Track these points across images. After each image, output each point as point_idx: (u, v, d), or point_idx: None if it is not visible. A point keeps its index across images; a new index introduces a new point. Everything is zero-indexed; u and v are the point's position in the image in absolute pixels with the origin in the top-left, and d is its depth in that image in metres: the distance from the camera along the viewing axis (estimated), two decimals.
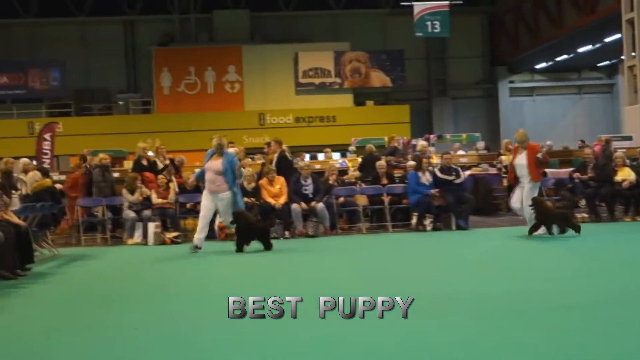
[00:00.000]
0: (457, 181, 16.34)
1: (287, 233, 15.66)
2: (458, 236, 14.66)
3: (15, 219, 11.13)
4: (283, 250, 13.31)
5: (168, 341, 5.77)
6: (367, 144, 21.47)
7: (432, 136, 26.54)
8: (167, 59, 35.40)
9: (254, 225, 12.71)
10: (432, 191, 15.93)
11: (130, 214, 15.86)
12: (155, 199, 16.01)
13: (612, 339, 5.64)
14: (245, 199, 16.16)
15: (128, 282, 10.06)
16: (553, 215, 13.07)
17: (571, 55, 34.20)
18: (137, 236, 15.06)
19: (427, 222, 15.97)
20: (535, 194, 13.49)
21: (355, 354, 5.28)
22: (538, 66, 37.23)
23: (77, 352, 5.78)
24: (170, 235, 15.42)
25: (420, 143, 20.32)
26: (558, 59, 35.21)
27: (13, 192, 13.16)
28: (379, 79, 35.98)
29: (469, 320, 6.45)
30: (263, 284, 9.29)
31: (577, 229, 13.00)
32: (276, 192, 16.03)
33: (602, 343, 5.54)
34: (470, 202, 16.38)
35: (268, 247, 12.68)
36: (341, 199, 16.59)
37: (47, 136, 23.35)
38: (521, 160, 13.56)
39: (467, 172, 19.14)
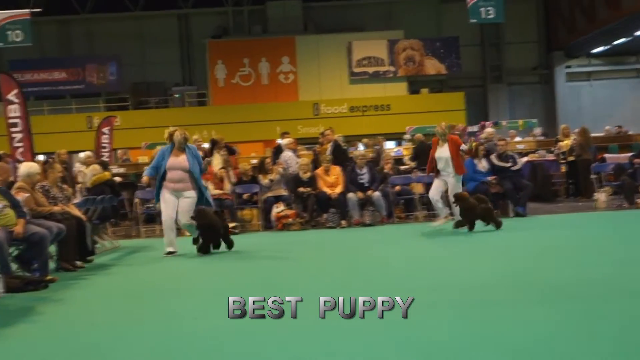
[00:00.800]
0: (514, 168, 16.25)
1: (343, 222, 15.74)
2: (516, 223, 14.52)
3: (76, 212, 11.37)
4: (344, 239, 13.39)
5: (229, 331, 5.81)
6: (417, 133, 21.33)
7: (487, 123, 26.31)
8: (221, 51, 35.63)
9: (216, 224, 11.73)
10: (489, 178, 15.87)
11: None
12: (213, 190, 16.18)
13: None
14: (301, 189, 16.34)
15: (187, 273, 10.20)
16: (478, 211, 12.88)
17: (629, 38, 33.58)
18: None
19: None
20: (460, 187, 13.47)
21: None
22: (595, 50, 36.65)
23: (138, 343, 5.87)
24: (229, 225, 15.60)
25: (487, 130, 20.21)
26: (616, 42, 34.58)
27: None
28: (433, 66, 35.80)
29: (542, 309, 6.42)
30: (327, 274, 9.40)
31: (498, 225, 12.96)
32: (332, 181, 16.12)
33: None
34: (527, 188, 16.27)
35: (230, 246, 11.91)
36: (397, 188, 16.63)
37: (105, 130, 23.66)
38: (443, 152, 13.42)
39: (525, 159, 19.03)
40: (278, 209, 16.09)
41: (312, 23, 36.65)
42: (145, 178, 12.45)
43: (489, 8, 26.03)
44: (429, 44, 35.83)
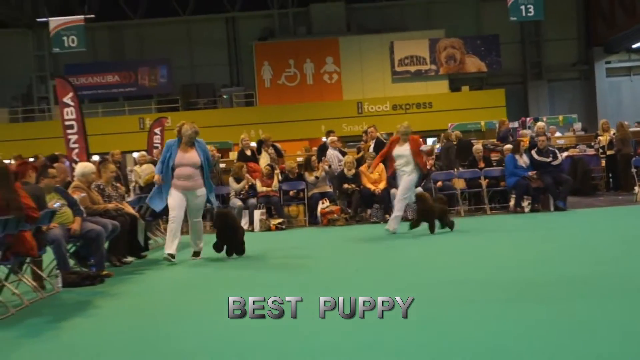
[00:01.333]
0: (555, 163, 16.10)
1: (387, 216, 15.69)
2: (557, 217, 14.42)
3: (130, 209, 11.53)
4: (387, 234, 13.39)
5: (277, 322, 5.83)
6: (455, 130, 21.21)
7: (528, 119, 26.11)
8: (268, 53, 35.81)
9: (234, 227, 10.75)
10: (530, 173, 15.77)
11: (237, 202, 16.19)
12: (260, 187, 16.31)
13: None
14: (346, 185, 16.37)
15: (238, 268, 10.25)
16: (435, 212, 12.58)
17: None
18: (244, 223, 15.13)
19: (525, 203, 15.83)
20: (413, 186, 13.06)
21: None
22: (635, 45, 36.17)
23: (192, 334, 5.93)
24: (275, 222, 15.69)
25: (538, 124, 20.02)
26: None
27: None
28: (474, 64, 35.64)
29: (585, 304, 6.38)
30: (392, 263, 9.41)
31: (451, 227, 12.72)
32: (376, 178, 16.13)
33: None
34: (568, 183, 16.13)
35: (241, 252, 10.76)
36: (439, 183, 16.58)
37: (157, 130, 23.93)
38: (404, 151, 12.86)
39: (565, 154, 18.84)
40: (323, 205, 16.13)
41: (355, 24, 36.68)
42: (157, 177, 10.59)
43: (529, 6, 25.84)
44: (469, 42, 35.69)
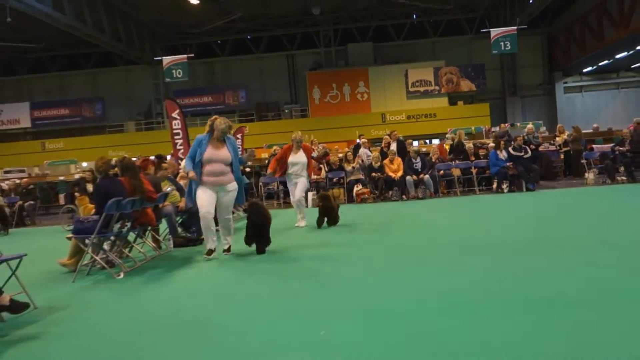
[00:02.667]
0: (525, 156, 15.95)
1: (404, 197, 15.70)
2: (527, 196, 14.28)
3: None
4: (410, 207, 13.34)
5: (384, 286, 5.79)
6: (452, 133, 20.98)
7: (506, 125, 25.73)
8: (317, 79, 35.77)
9: (265, 221, 7.94)
10: (508, 164, 15.63)
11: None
12: (312, 176, 16.35)
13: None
14: (374, 174, 16.36)
15: (305, 234, 10.25)
16: (333, 209, 10.48)
17: (610, 60, 32.85)
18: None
19: (504, 186, 15.64)
20: (305, 188, 10.94)
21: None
22: (585, 70, 35.75)
23: (279, 294, 5.93)
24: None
25: (528, 126, 19.70)
26: (600, 63, 33.85)
27: None
28: (466, 85, 35.24)
29: (535, 256, 6.33)
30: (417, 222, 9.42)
31: (335, 223, 10.46)
32: (395, 168, 16.11)
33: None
34: (536, 171, 15.96)
35: (264, 246, 7.93)
36: (441, 172, 16.48)
37: (238, 136, 23.94)
38: (300, 158, 10.74)
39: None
40: (357, 188, 16.15)
41: (380, 57, 36.45)
42: (192, 173, 7.61)
43: (506, 42, 25.60)
44: (463, 69, 35.28)
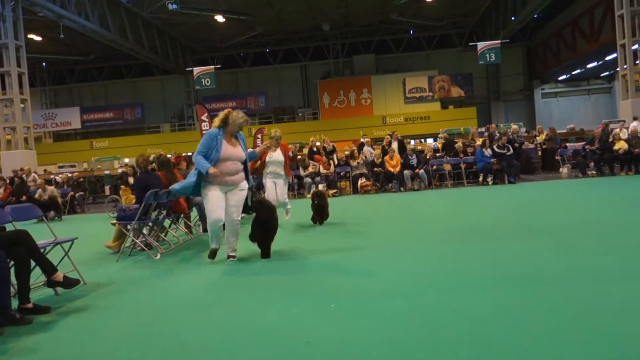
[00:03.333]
0: (508, 153, 15.82)
1: (402, 189, 15.63)
2: (509, 188, 14.18)
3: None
4: (406, 198, 13.30)
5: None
6: (444, 134, 20.82)
7: (491, 126, 25.56)
8: (326, 87, 35.72)
9: (273, 214, 6.29)
10: (492, 160, 15.53)
11: (307, 180, 16.25)
12: (322, 170, 16.35)
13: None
14: (375, 169, 16.31)
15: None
16: (326, 207, 8.95)
17: (582, 69, 32.57)
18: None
19: (489, 179, 15.55)
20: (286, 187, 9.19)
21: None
22: (560, 78, 35.50)
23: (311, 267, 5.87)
24: (332, 191, 15.71)
25: (513, 127, 19.55)
26: (573, 72, 33.62)
27: None
28: (456, 91, 35.09)
29: (511, 240, 6.28)
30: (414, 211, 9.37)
31: (326, 219, 8.99)
32: (394, 164, 16.05)
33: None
34: (516, 166, 15.85)
35: (269, 248, 6.25)
36: (434, 167, 16.40)
37: (259, 136, 24.02)
38: (277, 157, 8.92)
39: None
40: (361, 181, 16.11)
41: (381, 67, 36.33)
42: (213, 170, 5.78)
43: (491, 54, 25.49)
44: (453, 77, 35.11)
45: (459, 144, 17.48)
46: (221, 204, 5.98)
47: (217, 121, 6.04)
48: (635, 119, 17.84)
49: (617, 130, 17.05)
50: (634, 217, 7.38)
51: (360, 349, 3.05)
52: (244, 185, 6.19)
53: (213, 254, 6.22)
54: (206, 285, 5.09)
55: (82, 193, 18.83)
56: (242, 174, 6.17)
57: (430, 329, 3.31)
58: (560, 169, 16.47)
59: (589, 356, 2.76)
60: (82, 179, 20.91)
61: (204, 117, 19.67)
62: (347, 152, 17.62)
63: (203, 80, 26.67)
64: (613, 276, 4.30)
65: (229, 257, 6.17)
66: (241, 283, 5.10)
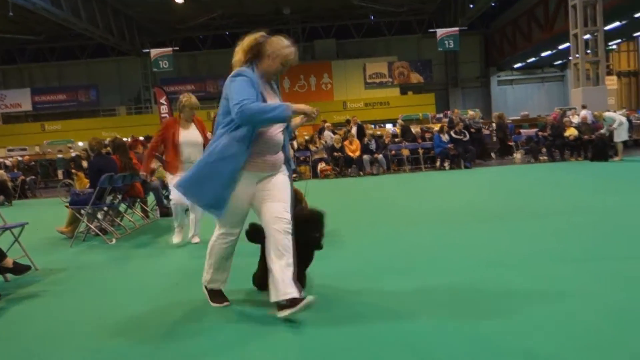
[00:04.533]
0: (464, 139, 16.13)
1: (360, 173, 15.77)
2: (466, 172, 14.48)
3: None
4: (367, 182, 13.40)
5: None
6: (404, 119, 21.07)
7: (448, 112, 25.96)
8: (287, 71, 35.18)
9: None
10: (449, 145, 15.80)
11: None
12: None
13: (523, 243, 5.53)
14: (335, 153, 16.37)
15: None
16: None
17: (537, 58, 33.39)
18: None
19: (446, 164, 15.84)
20: None
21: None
22: (515, 66, 36.28)
23: None
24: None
25: (471, 112, 19.80)
26: (528, 60, 34.38)
27: None
28: (415, 78, 35.41)
29: (472, 224, 6.42)
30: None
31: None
32: (354, 148, 16.16)
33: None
34: (472, 151, 16.17)
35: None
36: (393, 152, 16.59)
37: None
38: (192, 136, 6.02)
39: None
40: (321, 166, 16.16)
41: (342, 52, 36.30)
42: (301, 106, 3.64)
43: (450, 41, 25.80)
44: (413, 64, 35.42)
45: (417, 129, 17.72)
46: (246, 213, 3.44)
47: (240, 53, 3.57)
48: (584, 107, 18.40)
49: (568, 117, 17.59)
50: (591, 201, 7.66)
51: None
52: (285, 169, 3.59)
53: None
54: (163, 271, 5.05)
55: (33, 177, 18.26)
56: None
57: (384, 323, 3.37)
58: (514, 155, 16.91)
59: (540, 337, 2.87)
60: (33, 163, 20.26)
61: (162, 100, 19.35)
62: (306, 137, 17.62)
63: (161, 62, 26.14)
64: (576, 258, 4.47)
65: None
66: (200, 268, 5.07)
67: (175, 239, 6.25)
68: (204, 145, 5.74)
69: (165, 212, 9.15)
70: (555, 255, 4.58)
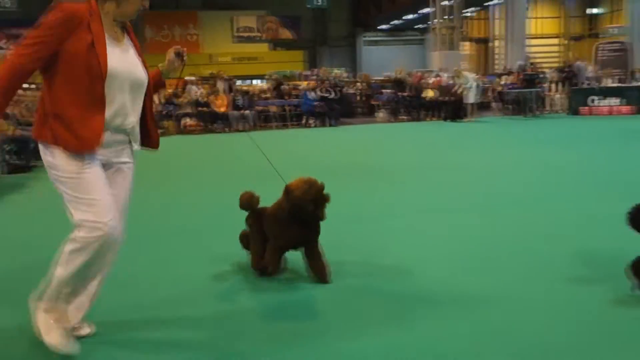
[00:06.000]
0: (330, 97, 16.50)
1: (226, 129, 15.58)
2: (332, 130, 14.96)
3: None
4: (234, 137, 13.25)
5: None
6: (275, 75, 21.01)
7: (316, 70, 26.34)
8: (149, 19, 33.46)
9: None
10: (316, 103, 16.10)
11: None
12: None
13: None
14: (200, 108, 15.96)
15: None
16: None
17: (401, 21, 34.71)
18: None
19: (312, 121, 16.15)
20: None
21: None
22: (380, 27, 37.50)
23: None
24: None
25: (335, 72, 20.04)
26: (392, 22, 35.69)
27: None
28: (285, 34, 35.35)
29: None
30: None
31: None
32: (220, 104, 15.89)
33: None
34: (337, 109, 16.63)
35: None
36: (260, 108, 16.56)
37: None
38: (131, 63, 2.51)
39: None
40: (185, 121, 15.72)
41: (209, 2, 35.01)
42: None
43: None
44: (282, 19, 35.23)
45: (285, 86, 17.77)
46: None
47: None
48: (441, 70, 19.63)
49: (426, 79, 18.68)
50: (446, 158, 8.26)
51: None
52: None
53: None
54: (3, 234, 4.66)
55: None
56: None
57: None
58: (376, 113, 17.68)
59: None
60: None
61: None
62: (170, 91, 17.00)
63: None
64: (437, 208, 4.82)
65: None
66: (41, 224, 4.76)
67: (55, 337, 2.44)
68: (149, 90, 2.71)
69: (11, 168, 8.39)
70: (411, 206, 4.93)
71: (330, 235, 3.13)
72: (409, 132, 13.39)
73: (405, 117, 17.15)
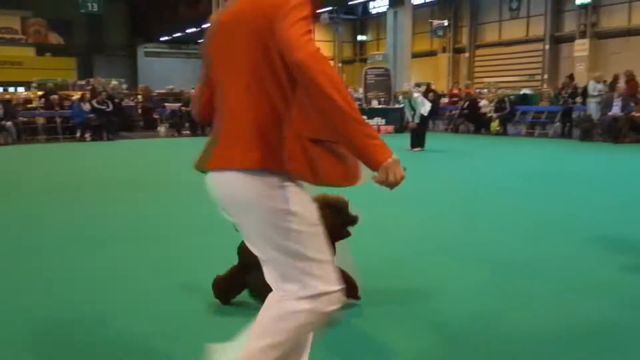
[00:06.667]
0: (108, 110, 15.80)
1: None
2: (107, 144, 14.31)
3: None
4: None
5: None
6: (40, 84, 19.39)
7: (91, 79, 24.85)
8: None
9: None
10: (90, 115, 15.27)
11: None
12: None
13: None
14: None
15: None
16: None
17: (183, 34, 34.63)
18: None
19: (87, 135, 15.27)
20: None
21: None
22: (162, 39, 36.97)
23: None
24: None
25: (113, 83, 18.84)
26: (174, 35, 35.45)
27: None
28: (55, 38, 32.78)
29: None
30: None
31: None
32: None
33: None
34: (115, 122, 16.01)
35: None
36: (25, 119, 15.13)
37: None
38: None
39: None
40: None
41: None
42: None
43: (93, 3, 24.48)
44: (52, 22, 32.60)
45: (55, 96, 16.46)
46: None
47: None
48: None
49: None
50: None
51: None
52: None
53: None
54: None
55: None
56: None
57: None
58: (158, 128, 17.35)
59: None
60: None
61: None
62: None
63: None
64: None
65: None
66: None
67: None
68: None
69: None
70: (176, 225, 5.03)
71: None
72: (191, 147, 13.49)
73: (189, 132, 17.08)
